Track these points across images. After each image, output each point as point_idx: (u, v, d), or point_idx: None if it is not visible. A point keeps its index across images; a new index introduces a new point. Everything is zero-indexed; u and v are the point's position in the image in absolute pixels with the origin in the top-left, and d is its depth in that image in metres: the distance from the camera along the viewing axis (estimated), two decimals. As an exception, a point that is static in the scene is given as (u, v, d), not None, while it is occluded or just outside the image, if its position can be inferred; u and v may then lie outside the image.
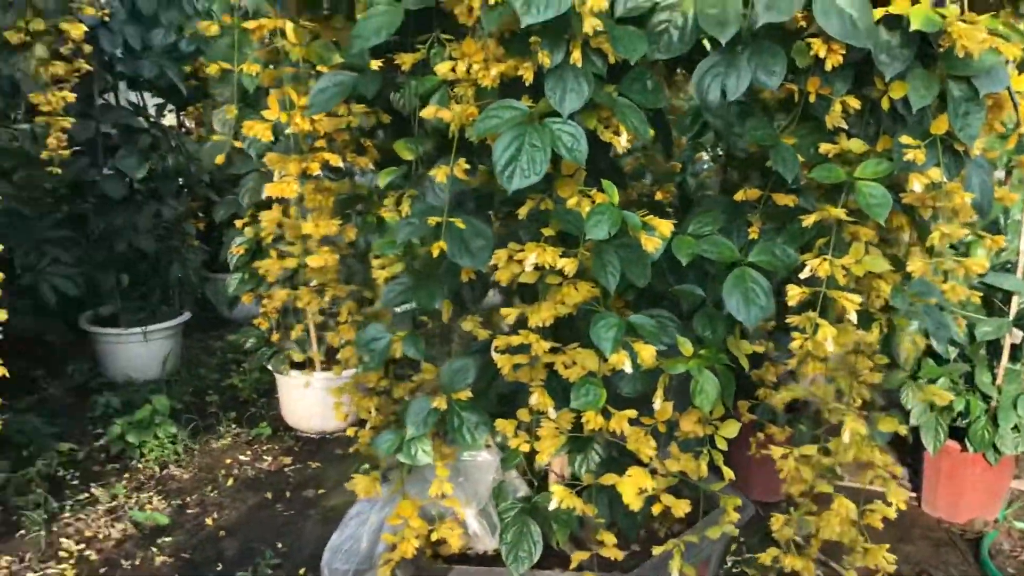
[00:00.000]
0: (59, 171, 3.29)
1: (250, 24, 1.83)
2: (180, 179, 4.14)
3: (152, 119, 4.12)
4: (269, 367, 3.69)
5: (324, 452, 3.62)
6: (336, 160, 1.88)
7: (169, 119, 4.73)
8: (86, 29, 2.85)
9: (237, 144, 3.19)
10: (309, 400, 3.68)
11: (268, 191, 1.82)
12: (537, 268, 1.46)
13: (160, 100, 4.40)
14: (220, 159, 3.20)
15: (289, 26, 1.73)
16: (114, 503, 3.19)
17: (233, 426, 3.83)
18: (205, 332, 4.98)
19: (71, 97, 2.96)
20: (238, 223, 3.51)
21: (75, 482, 3.35)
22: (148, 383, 4.20)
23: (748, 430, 1.95)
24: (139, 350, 4.14)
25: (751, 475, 2.85)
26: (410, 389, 2.01)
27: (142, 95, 4.15)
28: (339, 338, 2.21)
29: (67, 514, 3.11)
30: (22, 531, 3.00)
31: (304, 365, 3.73)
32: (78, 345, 4.50)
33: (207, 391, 4.21)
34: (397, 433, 1.74)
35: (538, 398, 1.60)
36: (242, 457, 3.58)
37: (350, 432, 2.13)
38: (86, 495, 3.23)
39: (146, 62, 3.84)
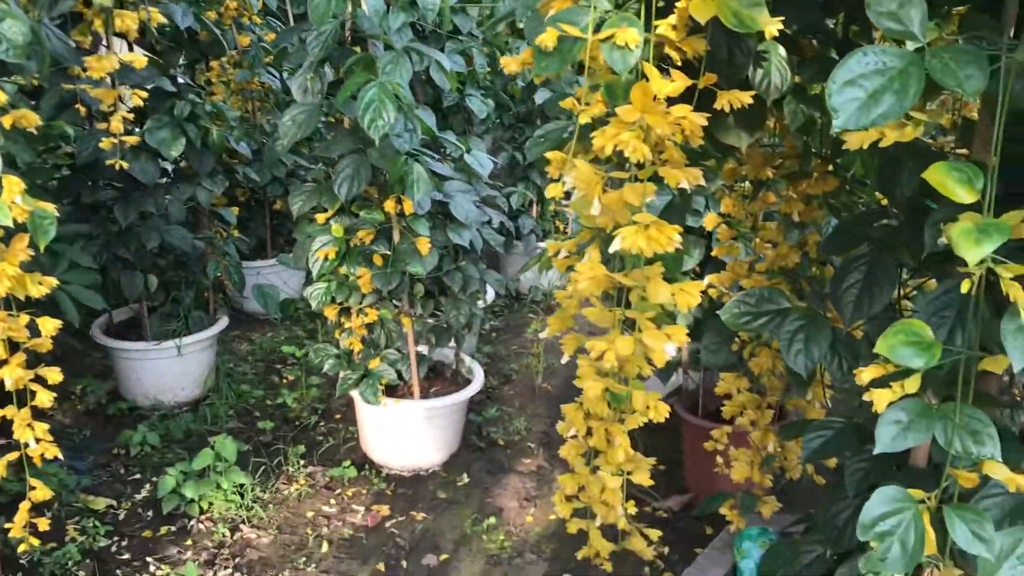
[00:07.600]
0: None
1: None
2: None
3: (180, 80, 3.28)
4: (355, 394, 2.96)
5: (424, 497, 2.93)
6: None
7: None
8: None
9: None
10: (405, 433, 2.98)
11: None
12: None
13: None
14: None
15: None
16: (186, 588, 2.48)
17: (302, 463, 3.09)
18: (227, 332, 4.18)
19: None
20: (320, 217, 2.76)
21: (125, 555, 2.61)
22: (182, 406, 3.43)
23: None
24: (171, 367, 3.36)
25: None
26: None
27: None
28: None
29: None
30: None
31: (395, 391, 3.02)
32: (83, 355, 3.71)
33: (254, 414, 3.46)
34: None
35: None
36: (326, 508, 2.86)
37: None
38: (146, 577, 2.52)
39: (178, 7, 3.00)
